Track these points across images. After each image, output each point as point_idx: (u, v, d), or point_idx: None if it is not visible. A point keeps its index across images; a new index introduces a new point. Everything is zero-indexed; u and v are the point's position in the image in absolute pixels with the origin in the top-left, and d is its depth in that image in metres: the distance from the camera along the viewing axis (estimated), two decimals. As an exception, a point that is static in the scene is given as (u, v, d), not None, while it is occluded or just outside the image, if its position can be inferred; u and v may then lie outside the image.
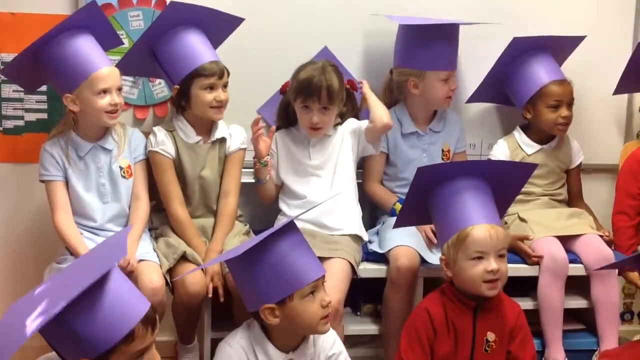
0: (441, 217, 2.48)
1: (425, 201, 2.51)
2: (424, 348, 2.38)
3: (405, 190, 2.98)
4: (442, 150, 3.08)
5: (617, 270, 2.89)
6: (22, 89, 2.91)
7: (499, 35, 3.05)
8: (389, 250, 2.82)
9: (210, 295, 2.63)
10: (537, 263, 2.89)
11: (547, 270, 2.86)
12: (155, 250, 2.72)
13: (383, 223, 3.01)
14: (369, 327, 2.93)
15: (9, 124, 2.98)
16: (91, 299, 1.77)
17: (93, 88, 2.59)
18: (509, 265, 2.75)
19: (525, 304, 2.85)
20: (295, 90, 2.80)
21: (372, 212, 3.10)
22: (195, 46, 2.73)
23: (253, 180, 2.91)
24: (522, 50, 3.06)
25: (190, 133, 2.80)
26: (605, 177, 3.21)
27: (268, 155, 2.85)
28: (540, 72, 3.06)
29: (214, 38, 2.79)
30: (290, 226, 2.19)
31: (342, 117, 2.92)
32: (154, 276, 2.56)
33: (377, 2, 3.06)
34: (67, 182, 2.69)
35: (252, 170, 2.93)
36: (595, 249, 2.91)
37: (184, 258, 2.66)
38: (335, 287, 2.58)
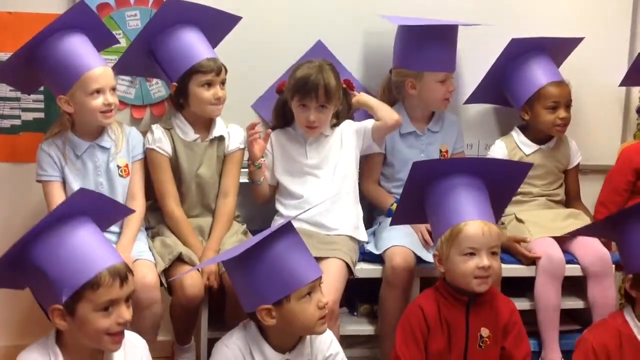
0: (435, 212, 2.49)
1: (420, 198, 2.52)
2: (418, 345, 2.39)
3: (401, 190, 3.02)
4: (440, 151, 3.08)
5: (614, 270, 2.89)
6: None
7: (497, 36, 3.05)
8: (385, 251, 2.82)
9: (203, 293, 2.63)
10: (534, 263, 2.88)
11: (544, 270, 2.86)
12: (150, 249, 2.72)
13: (379, 224, 3.01)
14: (365, 328, 2.93)
15: (5, 123, 2.97)
16: (59, 237, 1.91)
17: (86, 89, 2.57)
18: (506, 266, 2.80)
19: (522, 304, 2.86)
20: (292, 88, 2.80)
21: (368, 213, 3.10)
22: (193, 43, 2.73)
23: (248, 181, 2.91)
24: (520, 52, 3.06)
25: (188, 131, 2.80)
26: (603, 178, 3.21)
27: (262, 157, 2.85)
28: (538, 74, 3.06)
29: (211, 36, 2.79)
30: (288, 227, 2.20)
31: (338, 117, 2.91)
32: (148, 273, 2.56)
33: (376, 2, 3.06)
34: (64, 182, 2.68)
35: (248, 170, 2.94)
36: (592, 250, 2.91)
37: (180, 259, 2.65)
38: (331, 287, 2.58)
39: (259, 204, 2.94)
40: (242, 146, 2.87)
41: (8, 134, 2.98)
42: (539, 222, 2.99)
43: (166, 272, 2.65)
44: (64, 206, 1.99)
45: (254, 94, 3.06)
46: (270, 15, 3.02)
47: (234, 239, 2.78)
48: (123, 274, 1.94)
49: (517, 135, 3.15)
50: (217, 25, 2.82)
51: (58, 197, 2.66)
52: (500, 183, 2.52)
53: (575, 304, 2.96)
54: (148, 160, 2.79)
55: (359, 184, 3.02)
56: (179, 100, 2.77)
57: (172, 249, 2.67)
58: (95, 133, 2.70)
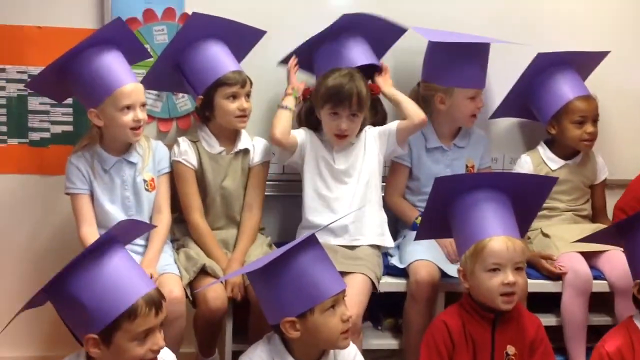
0: (459, 228, 2.48)
1: (444, 213, 2.51)
2: (443, 360, 2.38)
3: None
4: (466, 166, 3.07)
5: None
6: (49, 102, 2.96)
7: (523, 51, 3.03)
8: (409, 265, 2.81)
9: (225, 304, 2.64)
10: (560, 278, 2.86)
11: (571, 286, 2.84)
12: (176, 262, 2.73)
13: (404, 237, 3.00)
14: (389, 342, 2.92)
15: (35, 136, 3.01)
16: (95, 268, 1.90)
17: (117, 104, 2.60)
18: (532, 281, 2.78)
19: (549, 320, 2.84)
20: (323, 96, 2.78)
21: (393, 226, 3.09)
22: (218, 56, 2.76)
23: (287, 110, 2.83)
24: (546, 66, 3.05)
25: (213, 143, 2.82)
26: (629, 192, 3.19)
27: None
28: (565, 88, 3.05)
29: (236, 50, 2.82)
30: (312, 240, 2.20)
31: (363, 124, 2.88)
32: (174, 287, 2.57)
33: (404, 14, 3.04)
34: (92, 195, 2.71)
35: (275, 182, 2.94)
36: (619, 265, 2.85)
37: (204, 271, 2.67)
38: (354, 301, 2.57)
39: (273, 138, 2.79)
40: (266, 159, 2.88)
41: (37, 147, 3.02)
42: (565, 237, 2.96)
43: (190, 284, 2.66)
44: (104, 238, 1.99)
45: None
46: (296, 30, 3.01)
47: (259, 251, 2.79)
48: (158, 301, 1.93)
49: (543, 151, 3.13)
50: (242, 39, 2.85)
51: (86, 209, 2.68)
52: (526, 198, 2.50)
53: (603, 320, 2.93)
54: (174, 172, 2.81)
55: (384, 196, 3.02)
56: (205, 112, 2.80)
57: (195, 261, 2.68)
58: (123, 148, 2.72)
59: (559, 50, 3.05)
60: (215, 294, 2.60)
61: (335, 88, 2.75)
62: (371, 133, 2.91)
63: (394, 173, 3.04)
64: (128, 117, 2.62)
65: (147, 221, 2.75)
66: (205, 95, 2.75)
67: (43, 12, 2.94)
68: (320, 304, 2.13)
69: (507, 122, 3.28)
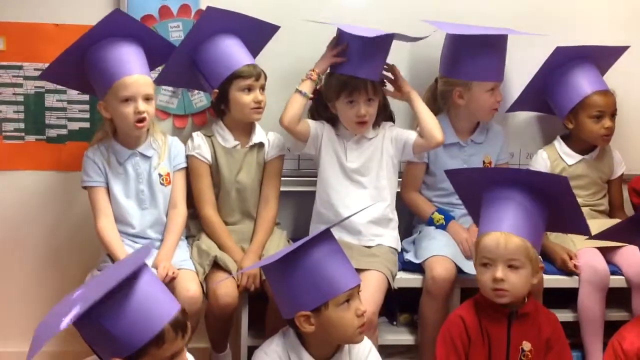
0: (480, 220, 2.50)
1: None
2: (459, 356, 2.37)
3: (444, 200, 3.01)
4: (484, 162, 3.05)
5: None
6: (66, 98, 2.99)
7: (541, 44, 3.02)
8: (425, 260, 2.81)
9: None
10: (573, 272, 2.85)
11: (588, 281, 2.82)
12: (191, 258, 2.75)
13: (419, 232, 2.99)
14: (405, 337, 2.92)
15: (52, 132, 3.04)
16: (121, 296, 1.83)
17: (117, 96, 2.62)
18: (548, 277, 2.77)
19: (566, 315, 2.82)
20: (337, 87, 2.77)
21: (408, 221, 3.08)
22: (233, 50, 2.77)
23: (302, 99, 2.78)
24: (564, 60, 3.03)
25: (228, 137, 2.83)
26: (648, 188, 3.16)
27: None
28: (583, 82, 3.03)
29: (251, 46, 2.83)
30: (327, 234, 2.20)
31: (379, 114, 2.86)
32: (191, 285, 2.58)
33: (421, 8, 3.04)
34: (108, 188, 2.73)
35: (289, 178, 2.94)
36: (637, 260, 2.84)
37: (216, 265, 2.68)
38: (370, 298, 2.58)
39: (282, 123, 2.77)
40: (281, 153, 2.89)
41: (54, 143, 3.04)
42: (582, 233, 2.94)
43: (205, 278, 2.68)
44: (131, 268, 1.91)
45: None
46: (312, 23, 2.99)
47: (278, 245, 2.80)
48: (183, 324, 1.90)
49: (559, 146, 3.11)
50: (257, 34, 2.85)
51: (103, 202, 2.71)
52: (548, 197, 2.44)
53: (620, 315, 2.90)
54: (189, 167, 2.83)
55: (400, 191, 3.01)
56: (220, 106, 2.81)
57: (207, 255, 2.70)
58: (136, 141, 2.74)
59: (578, 44, 3.02)
60: (225, 289, 2.61)
61: (349, 76, 2.75)
62: (390, 134, 2.89)
63: (411, 168, 3.03)
64: (129, 109, 2.63)
65: (164, 215, 2.78)
66: (220, 88, 2.76)
67: (60, 10, 2.96)
68: (335, 299, 2.13)
69: (523, 117, 3.26)
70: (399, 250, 2.91)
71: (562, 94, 3.06)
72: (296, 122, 2.79)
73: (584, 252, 2.88)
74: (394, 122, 2.95)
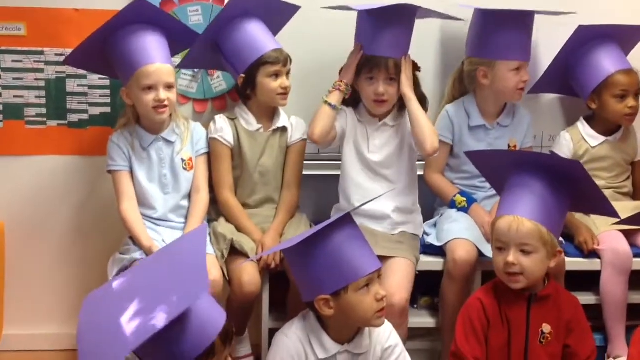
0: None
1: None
2: (479, 338, 2.36)
3: (466, 182, 3.00)
4: (509, 146, 3.02)
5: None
6: (87, 84, 3.01)
7: (563, 24, 2.98)
8: (446, 243, 2.80)
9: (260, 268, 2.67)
10: (594, 256, 2.83)
11: (610, 264, 2.80)
12: (211, 243, 2.76)
13: (441, 215, 2.98)
14: (426, 320, 2.92)
15: (74, 117, 3.05)
16: (186, 312, 1.77)
17: (139, 84, 2.65)
18: (570, 260, 2.77)
19: (588, 298, 2.81)
20: (359, 65, 2.75)
21: (430, 204, 3.07)
22: (259, 35, 2.77)
23: (329, 105, 2.75)
24: (587, 39, 2.99)
25: (251, 121, 2.84)
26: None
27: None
28: (606, 62, 3.00)
29: (272, 27, 2.82)
30: (348, 219, 2.20)
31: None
32: (212, 270, 2.59)
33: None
34: (132, 173, 2.76)
35: (310, 162, 2.94)
36: (660, 243, 2.84)
37: (234, 251, 2.68)
38: (400, 285, 2.59)
39: (312, 138, 2.75)
40: (304, 137, 2.88)
41: (76, 128, 3.05)
42: (605, 215, 2.92)
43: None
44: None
45: (316, 85, 2.98)
46: (330, 2, 2.91)
47: (297, 228, 2.81)
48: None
49: (582, 127, 3.08)
50: (278, 16, 2.85)
51: (126, 186, 2.74)
52: (568, 181, 2.39)
53: (643, 298, 2.90)
54: (210, 149, 2.84)
55: (423, 173, 3.00)
56: (246, 91, 2.81)
57: (224, 238, 2.71)
58: (159, 127, 2.76)
59: (601, 23, 2.98)
60: (249, 277, 2.63)
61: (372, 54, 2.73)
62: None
63: None
64: (149, 97, 2.65)
65: (186, 199, 2.80)
66: (247, 73, 2.76)
67: (81, -5, 2.98)
68: (355, 283, 2.13)
69: (546, 99, 3.22)
70: (421, 235, 2.91)
71: (585, 73, 3.03)
72: (326, 136, 2.77)
73: (607, 235, 2.86)
74: (425, 111, 2.85)
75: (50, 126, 3.04)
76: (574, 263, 2.81)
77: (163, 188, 2.78)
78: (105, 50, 2.70)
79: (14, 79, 2.99)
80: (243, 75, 2.77)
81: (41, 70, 3.00)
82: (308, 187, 2.99)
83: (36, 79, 3.01)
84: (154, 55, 2.66)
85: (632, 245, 2.86)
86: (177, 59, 2.87)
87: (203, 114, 3.06)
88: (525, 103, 3.14)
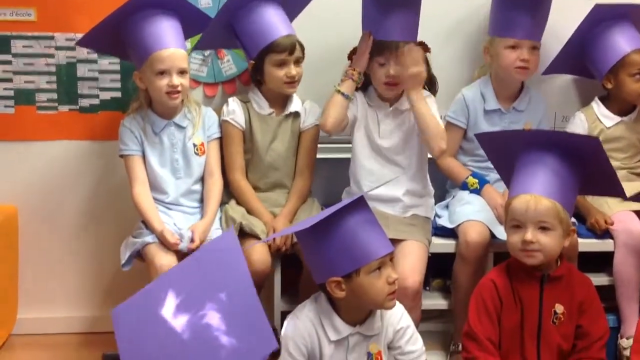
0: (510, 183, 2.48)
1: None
2: (492, 319, 2.36)
3: (480, 165, 2.98)
4: (524, 130, 2.99)
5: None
6: (97, 68, 3.01)
7: (578, 3, 2.96)
8: (459, 225, 2.79)
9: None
10: (606, 236, 2.82)
11: (624, 245, 2.79)
12: (221, 226, 2.78)
13: (453, 197, 2.97)
14: (438, 302, 2.92)
15: (85, 102, 3.06)
16: None
17: (153, 68, 2.65)
18: (583, 241, 2.76)
19: (601, 279, 2.80)
20: (372, 50, 2.73)
21: (441, 186, 3.06)
22: (271, 20, 2.75)
23: (340, 91, 2.72)
24: (602, 19, 2.96)
25: (263, 105, 2.84)
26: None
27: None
28: (622, 41, 2.97)
29: (289, 11, 2.80)
30: (360, 202, 2.19)
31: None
32: None
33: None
34: (144, 157, 2.77)
35: (321, 145, 2.92)
36: (674, 224, 2.81)
37: (244, 233, 2.68)
38: (414, 268, 2.59)
39: (325, 128, 2.74)
40: (317, 122, 2.87)
41: (87, 113, 3.06)
42: (619, 196, 2.90)
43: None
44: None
45: (329, 69, 2.96)
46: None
47: (309, 212, 2.80)
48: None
49: (597, 107, 3.05)
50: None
51: (139, 170, 2.75)
52: (581, 159, 2.39)
53: (657, 279, 2.87)
54: (222, 131, 2.85)
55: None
56: (256, 76, 2.81)
57: (234, 221, 2.72)
58: (171, 112, 2.77)
59: (616, 2, 2.95)
60: (258, 256, 2.63)
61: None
62: None
63: (448, 133, 2.92)
64: (163, 82, 2.66)
65: (198, 184, 2.82)
66: (256, 60, 2.76)
67: (91, -21, 2.97)
68: (367, 266, 2.13)
69: (560, 80, 3.20)
70: (432, 218, 2.90)
71: (601, 53, 3.00)
72: (339, 126, 2.75)
73: (620, 215, 2.84)
74: (435, 93, 2.87)
75: (62, 111, 3.05)
76: (587, 244, 2.79)
77: (175, 173, 2.79)
78: (119, 33, 2.70)
79: (24, 64, 3.00)
80: (252, 62, 2.77)
81: (52, 56, 3.00)
82: (319, 170, 2.98)
83: (47, 64, 3.01)
84: (168, 40, 2.66)
85: (646, 226, 2.84)
86: (188, 44, 2.86)
87: (213, 97, 3.06)
88: (539, 84, 3.12)
